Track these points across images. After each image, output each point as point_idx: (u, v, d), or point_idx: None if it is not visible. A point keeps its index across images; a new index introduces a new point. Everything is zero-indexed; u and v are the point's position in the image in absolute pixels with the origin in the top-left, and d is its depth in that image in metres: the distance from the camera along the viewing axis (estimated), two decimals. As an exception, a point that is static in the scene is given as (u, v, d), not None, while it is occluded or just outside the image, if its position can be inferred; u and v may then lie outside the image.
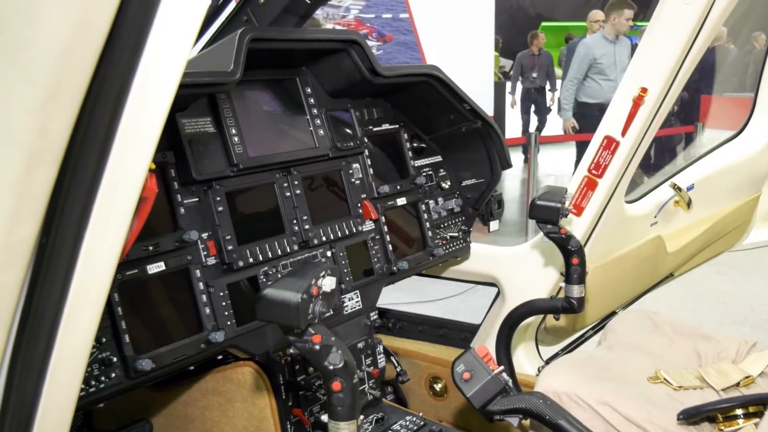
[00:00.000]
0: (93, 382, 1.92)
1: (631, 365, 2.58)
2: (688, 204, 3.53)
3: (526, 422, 2.41)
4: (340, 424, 1.68)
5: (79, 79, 1.03)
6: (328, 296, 1.68)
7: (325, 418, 1.73)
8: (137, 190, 1.20)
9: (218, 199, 2.31)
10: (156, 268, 2.11)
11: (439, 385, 3.37)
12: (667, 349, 2.70)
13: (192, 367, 2.32)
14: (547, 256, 3.13)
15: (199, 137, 2.28)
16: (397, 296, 3.85)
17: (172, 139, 2.23)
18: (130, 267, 2.04)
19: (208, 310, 2.23)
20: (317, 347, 1.63)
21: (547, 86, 14.87)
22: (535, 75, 14.47)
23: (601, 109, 9.10)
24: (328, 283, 1.67)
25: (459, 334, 3.56)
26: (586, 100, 9.31)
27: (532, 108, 14.82)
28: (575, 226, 3.00)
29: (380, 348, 2.85)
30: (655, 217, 3.48)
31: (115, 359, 1.97)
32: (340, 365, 1.63)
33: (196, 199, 2.28)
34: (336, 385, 1.64)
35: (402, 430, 2.61)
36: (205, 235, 2.28)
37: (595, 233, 3.09)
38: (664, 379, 2.48)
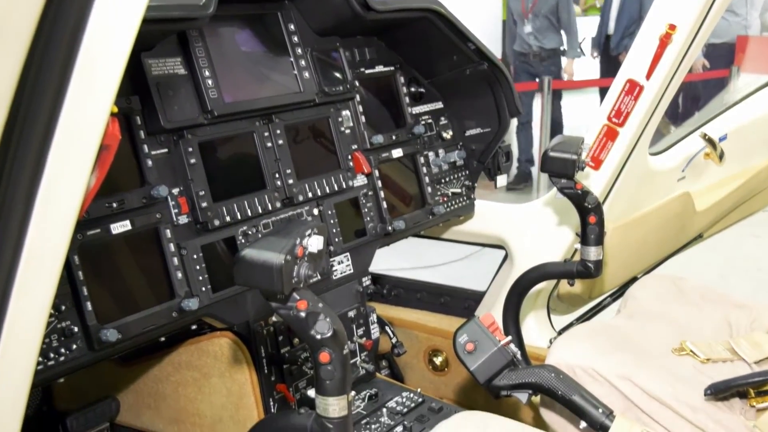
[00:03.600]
0: (52, 355, 1.93)
1: (654, 336, 2.59)
2: (720, 157, 3.53)
3: (536, 399, 2.44)
4: (329, 399, 1.69)
5: (28, 12, 1.02)
6: (315, 258, 1.68)
7: (312, 393, 1.74)
8: (97, 137, 1.19)
9: (190, 150, 2.30)
10: (121, 227, 2.10)
11: (440, 359, 3.40)
12: (694, 318, 2.71)
13: (163, 339, 2.33)
14: (560, 214, 3.13)
15: (168, 80, 2.26)
16: (392, 261, 3.85)
17: (137, 83, 2.21)
18: (92, 226, 2.03)
19: (180, 275, 2.23)
20: (303, 314, 1.64)
21: (563, 45, 10.15)
22: (528, 29, 9.81)
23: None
24: (315, 243, 1.67)
25: (462, 302, 3.58)
26: (712, 40, 9.53)
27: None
28: (593, 181, 3.00)
29: (374, 317, 2.86)
30: (683, 171, 3.48)
31: (76, 329, 1.97)
32: (329, 334, 1.63)
33: (166, 150, 2.27)
34: (324, 357, 1.65)
35: (398, 408, 2.64)
36: (175, 191, 2.27)
37: (615, 189, 3.10)
38: (691, 350, 2.49)
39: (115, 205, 2.08)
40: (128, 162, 2.19)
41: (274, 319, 1.72)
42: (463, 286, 3.66)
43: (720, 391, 2.25)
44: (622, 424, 2.11)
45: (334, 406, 1.71)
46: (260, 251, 1.62)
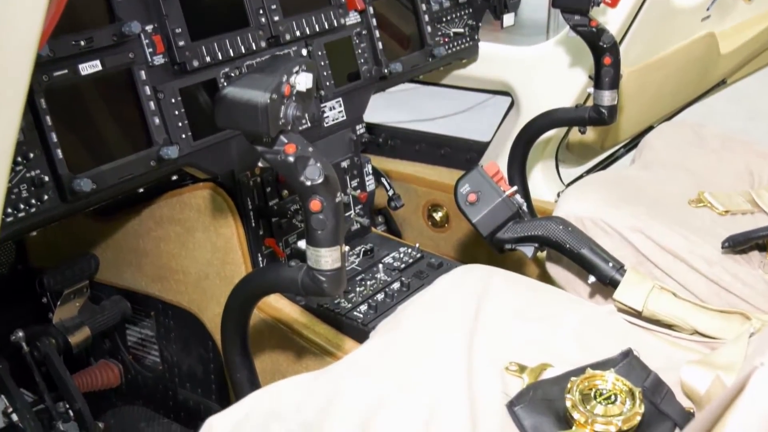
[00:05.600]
0: (22, 206, 1.92)
1: (670, 186, 2.58)
2: (750, -8, 3.45)
3: (542, 254, 2.46)
4: (321, 250, 1.69)
5: None
6: (304, 97, 1.64)
7: (302, 245, 1.74)
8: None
9: None
10: (90, 67, 2.06)
11: (440, 214, 3.42)
12: (713, 168, 2.70)
13: (141, 190, 2.33)
14: (573, 55, 3.08)
15: None
16: (389, 114, 3.83)
17: None
18: (58, 66, 1.99)
19: (157, 121, 2.20)
20: (291, 159, 1.61)
21: None
22: None
23: None
24: (304, 81, 1.63)
25: (464, 153, 3.57)
26: None
27: None
28: (609, 18, 2.92)
29: (369, 168, 2.85)
30: (708, 9, 3.40)
31: (46, 179, 1.96)
32: (320, 181, 1.61)
33: None
34: (315, 205, 1.64)
35: (395, 264, 2.66)
36: (149, 28, 2.21)
37: (634, 28, 3.02)
38: (709, 202, 2.49)
39: (82, 43, 2.03)
40: (95, -6, 2.12)
41: (260, 165, 1.69)
42: (465, 137, 3.65)
43: (738, 244, 2.26)
44: (633, 278, 2.12)
45: (326, 258, 1.71)
46: (243, 89, 1.59)
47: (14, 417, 2.47)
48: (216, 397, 2.77)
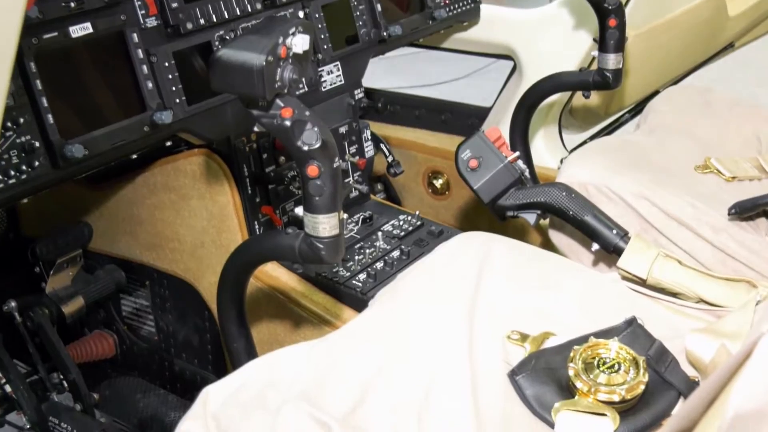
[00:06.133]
0: (13, 172, 1.91)
1: (676, 152, 2.58)
2: (761, -49, 3.42)
3: (545, 221, 2.46)
4: (319, 217, 1.68)
5: None
6: (300, 60, 1.63)
7: (299, 211, 1.73)
8: None
9: None
10: (81, 30, 2.04)
11: (440, 181, 3.41)
12: (720, 133, 2.69)
13: (135, 157, 2.32)
14: (577, 17, 3.05)
15: None
16: (388, 80, 3.80)
17: None
18: (48, 28, 1.97)
19: (150, 85, 2.18)
20: (288, 123, 1.60)
21: None
22: None
23: None
24: (300, 43, 1.61)
25: (465, 119, 3.55)
26: None
27: None
28: (615, -21, 2.90)
29: (367, 134, 2.84)
30: (716, -31, 3.37)
31: (37, 144, 1.95)
32: (317, 145, 1.61)
33: None
34: (312, 170, 1.63)
35: (395, 231, 2.65)
36: None
37: (640, -11, 3.00)
38: (715, 168, 2.49)
39: (73, 4, 2.01)
40: (85, -46, 2.10)
41: (256, 130, 1.69)
42: (466, 102, 3.63)
43: (745, 210, 2.26)
44: (638, 245, 2.13)
45: (324, 225, 1.70)
46: (239, 51, 1.57)
47: (7, 388, 2.48)
48: (212, 368, 2.77)
